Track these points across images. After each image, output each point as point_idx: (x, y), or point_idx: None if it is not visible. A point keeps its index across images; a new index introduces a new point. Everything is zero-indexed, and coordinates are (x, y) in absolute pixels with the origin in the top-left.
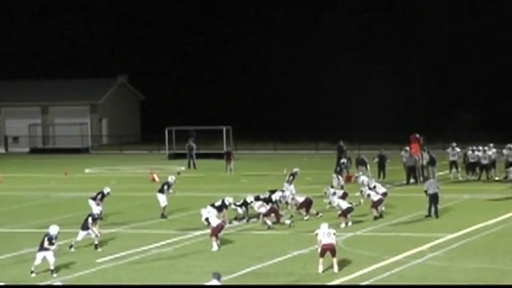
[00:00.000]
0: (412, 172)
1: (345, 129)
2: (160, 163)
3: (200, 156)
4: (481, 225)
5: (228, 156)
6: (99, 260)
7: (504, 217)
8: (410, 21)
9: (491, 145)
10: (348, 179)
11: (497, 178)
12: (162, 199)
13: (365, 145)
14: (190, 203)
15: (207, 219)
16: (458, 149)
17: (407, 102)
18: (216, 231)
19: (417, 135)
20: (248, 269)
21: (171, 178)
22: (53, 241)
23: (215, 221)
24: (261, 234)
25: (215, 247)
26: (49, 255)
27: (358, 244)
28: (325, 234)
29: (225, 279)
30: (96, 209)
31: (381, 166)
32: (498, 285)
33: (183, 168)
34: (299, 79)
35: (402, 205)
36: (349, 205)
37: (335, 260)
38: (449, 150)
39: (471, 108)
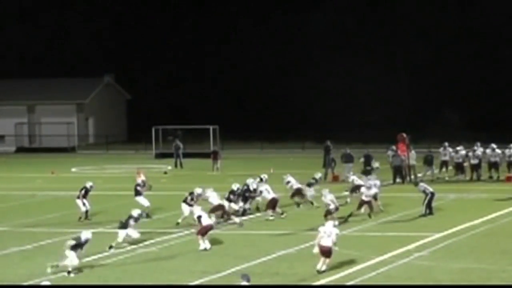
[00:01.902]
0: (398, 172)
1: (331, 128)
2: (147, 163)
3: (187, 155)
4: (467, 225)
5: (215, 156)
6: (84, 260)
7: (489, 217)
8: (397, 21)
9: (479, 144)
10: (334, 179)
11: (482, 178)
12: (143, 201)
13: (351, 145)
14: (176, 202)
15: (199, 217)
16: (450, 149)
17: (393, 102)
18: (203, 231)
19: (404, 135)
20: (233, 269)
21: (140, 180)
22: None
23: (206, 221)
24: (247, 234)
25: (202, 246)
26: (72, 256)
27: (344, 244)
28: (326, 234)
29: (210, 279)
30: (135, 212)
31: (367, 165)
32: (483, 285)
33: (169, 167)
34: (286, 79)
35: (388, 205)
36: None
37: (327, 261)
38: (441, 150)
39: (457, 107)
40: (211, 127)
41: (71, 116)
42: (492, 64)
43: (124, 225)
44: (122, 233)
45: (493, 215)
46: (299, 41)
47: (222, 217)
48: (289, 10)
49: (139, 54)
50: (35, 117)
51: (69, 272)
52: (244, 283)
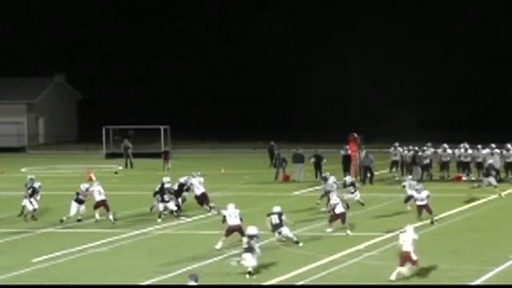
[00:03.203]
0: (369, 171)
1: (283, 128)
2: (98, 162)
3: (137, 155)
4: (417, 224)
5: (166, 156)
6: (34, 260)
7: (440, 216)
8: (350, 21)
9: (429, 144)
10: (285, 179)
11: (434, 178)
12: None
13: (302, 145)
14: (126, 202)
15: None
16: (400, 149)
17: (345, 102)
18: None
19: (355, 135)
20: (184, 269)
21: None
22: (252, 241)
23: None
24: (198, 234)
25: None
26: (248, 257)
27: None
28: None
29: (161, 279)
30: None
31: (317, 166)
32: (434, 285)
33: (120, 167)
34: (237, 79)
35: None
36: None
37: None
38: (391, 149)
39: (409, 107)
40: (162, 127)
41: (21, 116)
42: (443, 64)
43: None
44: None
45: (443, 214)
46: (250, 40)
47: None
48: (240, 9)
49: (90, 54)
50: None
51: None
52: (192, 283)
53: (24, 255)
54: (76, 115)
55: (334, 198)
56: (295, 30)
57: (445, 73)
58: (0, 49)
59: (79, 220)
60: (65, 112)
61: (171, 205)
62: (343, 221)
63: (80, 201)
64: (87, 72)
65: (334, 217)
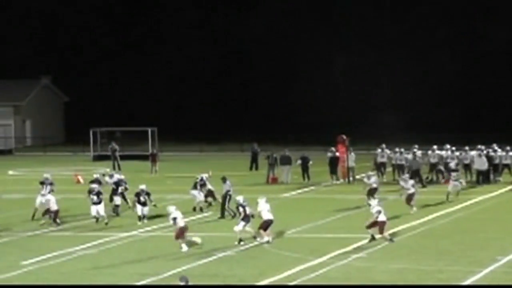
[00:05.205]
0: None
1: (269, 130)
2: (85, 165)
3: (125, 157)
4: (405, 226)
5: (153, 158)
6: (23, 262)
7: (427, 218)
8: (336, 23)
9: (416, 146)
10: (273, 181)
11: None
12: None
13: (288, 146)
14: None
15: (174, 219)
16: (388, 151)
17: (331, 103)
18: (181, 233)
19: (344, 136)
20: (174, 271)
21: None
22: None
23: (181, 222)
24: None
25: (184, 248)
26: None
27: (284, 246)
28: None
29: (150, 281)
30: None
31: (304, 168)
32: (421, 285)
33: (108, 169)
34: (224, 80)
35: (327, 206)
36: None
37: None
38: (378, 151)
39: (395, 110)
40: (149, 129)
41: (8, 119)
42: (429, 67)
43: None
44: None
45: (431, 216)
46: (236, 42)
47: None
48: (226, 11)
49: (76, 56)
50: None
51: None
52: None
53: (12, 257)
54: (63, 117)
55: (376, 205)
56: (281, 32)
57: (431, 75)
58: None
59: (97, 220)
60: (52, 114)
61: (145, 210)
62: (381, 231)
63: (97, 202)
64: (73, 74)
65: (373, 224)
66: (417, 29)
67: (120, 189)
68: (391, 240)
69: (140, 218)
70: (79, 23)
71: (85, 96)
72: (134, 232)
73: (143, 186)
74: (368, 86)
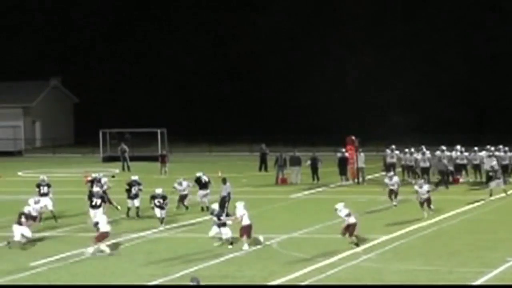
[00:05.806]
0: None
1: (279, 131)
2: (94, 166)
3: (134, 158)
4: (415, 226)
5: (163, 159)
6: (32, 264)
7: (437, 219)
8: (344, 25)
9: (424, 147)
10: (283, 181)
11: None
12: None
13: (298, 147)
14: (123, 206)
15: (96, 224)
16: (397, 152)
17: (341, 104)
18: (100, 238)
19: (353, 137)
20: (182, 272)
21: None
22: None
23: (104, 227)
24: (195, 237)
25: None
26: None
27: (293, 246)
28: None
29: (159, 282)
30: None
31: (314, 168)
32: (432, 285)
33: (117, 170)
34: (234, 82)
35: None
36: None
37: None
38: (388, 152)
39: (404, 111)
40: (158, 130)
41: (18, 120)
42: (438, 68)
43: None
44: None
45: (441, 217)
46: (247, 44)
47: None
48: (234, 11)
49: (85, 57)
50: None
51: None
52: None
53: (21, 259)
54: (73, 119)
55: (343, 208)
56: (291, 33)
57: (441, 76)
58: None
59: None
60: (62, 115)
61: (163, 213)
62: (351, 233)
63: (96, 206)
64: (83, 75)
65: (347, 229)
66: (427, 29)
67: (133, 190)
68: (356, 245)
69: (161, 221)
70: (88, 25)
71: (95, 97)
72: (143, 233)
73: (159, 190)
74: (377, 86)
